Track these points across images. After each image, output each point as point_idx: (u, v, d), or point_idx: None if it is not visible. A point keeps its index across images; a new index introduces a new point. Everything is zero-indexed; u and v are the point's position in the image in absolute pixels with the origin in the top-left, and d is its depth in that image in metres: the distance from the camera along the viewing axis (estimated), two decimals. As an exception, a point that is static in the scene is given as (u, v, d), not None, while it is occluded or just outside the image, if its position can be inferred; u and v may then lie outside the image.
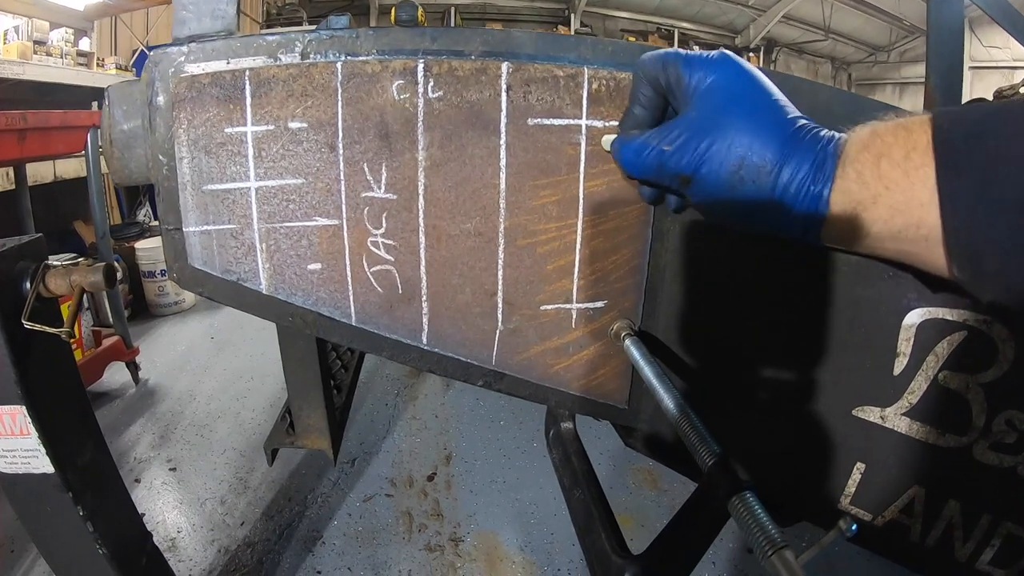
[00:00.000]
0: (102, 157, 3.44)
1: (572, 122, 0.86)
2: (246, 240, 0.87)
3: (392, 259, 0.88)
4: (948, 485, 0.83)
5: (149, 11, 7.48)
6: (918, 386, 0.82)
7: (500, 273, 0.90)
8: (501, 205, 0.88)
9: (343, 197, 0.85)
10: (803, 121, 0.67)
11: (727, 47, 9.18)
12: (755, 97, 0.69)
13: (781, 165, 0.64)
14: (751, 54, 13.80)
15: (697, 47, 9.80)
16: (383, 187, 0.85)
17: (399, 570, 2.09)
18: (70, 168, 4.05)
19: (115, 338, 3.29)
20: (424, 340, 0.93)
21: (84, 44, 6.24)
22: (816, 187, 0.62)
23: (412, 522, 2.31)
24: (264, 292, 0.89)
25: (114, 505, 1.38)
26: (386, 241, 0.88)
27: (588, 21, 13.11)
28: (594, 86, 0.86)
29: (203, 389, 3.44)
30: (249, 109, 0.83)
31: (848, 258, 0.85)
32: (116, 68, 6.30)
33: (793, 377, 0.92)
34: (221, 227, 0.87)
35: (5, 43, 4.85)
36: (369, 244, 0.88)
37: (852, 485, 0.90)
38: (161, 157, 0.86)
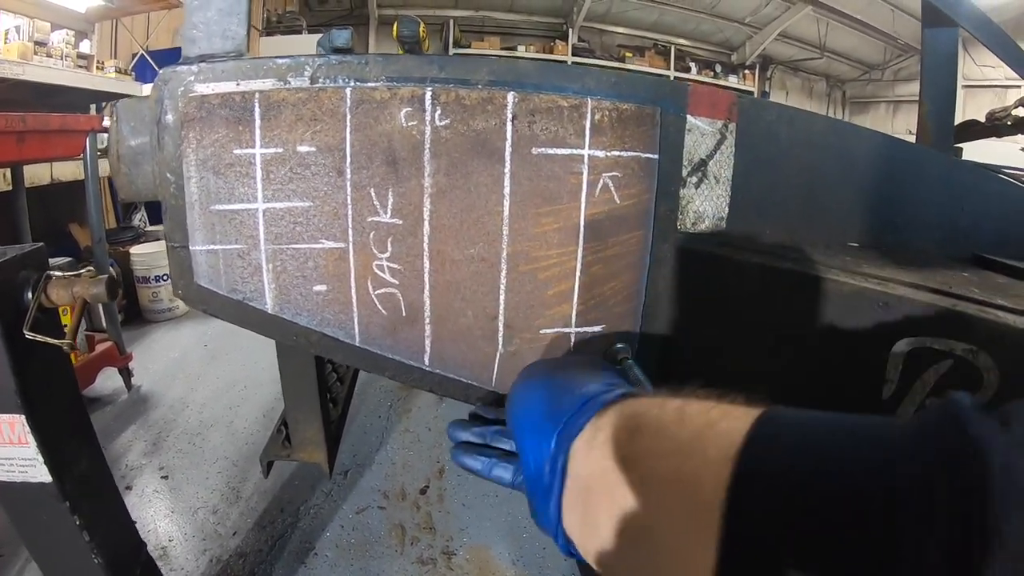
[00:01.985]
0: (101, 162, 3.46)
1: (575, 151, 0.88)
2: (253, 260, 0.88)
3: (397, 282, 0.90)
4: None
5: (150, 16, 7.49)
6: (905, 411, 0.84)
7: (502, 297, 0.92)
8: (504, 232, 0.89)
9: (349, 221, 0.87)
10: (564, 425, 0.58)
11: (723, 64, 9.26)
12: (544, 383, 0.65)
13: (540, 447, 0.58)
14: (747, 71, 13.88)
15: (693, 64, 9.88)
16: (389, 212, 0.87)
17: (391, 583, 2.09)
18: (67, 171, 4.04)
19: (108, 343, 3.27)
20: (426, 361, 0.94)
21: (84, 46, 6.24)
22: (550, 493, 0.56)
23: (405, 535, 2.31)
24: (269, 311, 0.90)
25: (110, 515, 1.39)
26: (391, 265, 0.89)
27: (586, 36, 13.17)
28: (597, 116, 0.88)
29: (196, 397, 3.42)
30: (258, 131, 0.84)
31: (840, 288, 0.87)
32: (116, 71, 6.30)
33: (787, 400, 0.93)
34: (228, 247, 0.88)
35: (6, 43, 4.85)
36: (374, 267, 0.89)
37: None
38: (169, 175, 0.88)
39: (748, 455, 0.40)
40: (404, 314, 0.92)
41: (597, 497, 0.50)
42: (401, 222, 0.87)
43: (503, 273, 0.91)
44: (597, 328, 0.97)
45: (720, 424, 0.43)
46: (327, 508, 2.45)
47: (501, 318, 0.93)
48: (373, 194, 0.86)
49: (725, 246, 1.00)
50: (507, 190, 0.88)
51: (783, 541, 0.36)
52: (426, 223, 0.88)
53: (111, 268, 3.87)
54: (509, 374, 0.96)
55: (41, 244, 1.16)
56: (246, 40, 0.88)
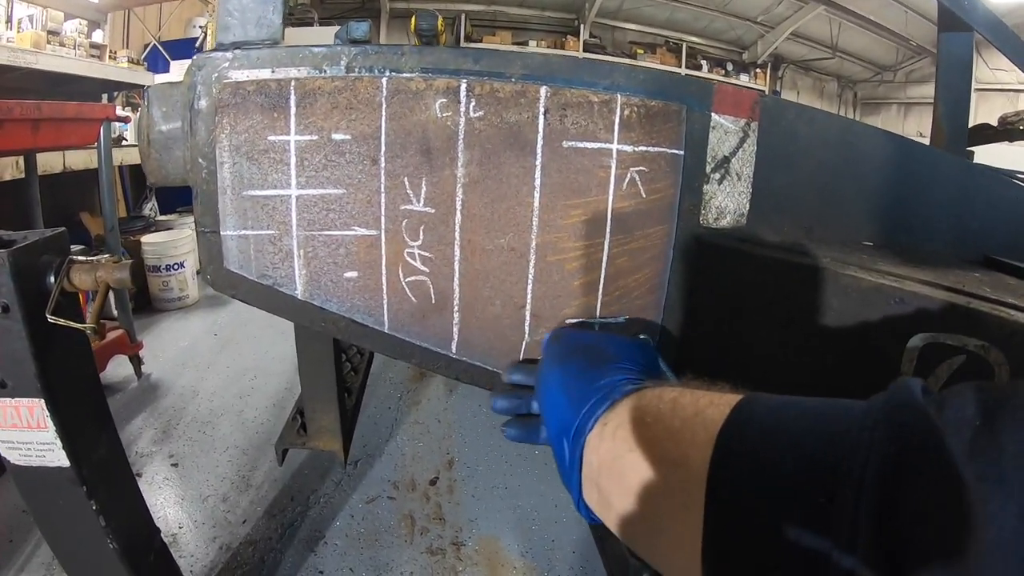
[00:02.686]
0: (114, 151, 3.48)
1: (604, 146, 0.89)
2: (284, 246, 0.89)
3: (427, 270, 0.91)
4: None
5: (162, 6, 7.50)
6: None
7: (530, 287, 0.93)
8: (534, 222, 0.90)
9: (383, 209, 0.88)
10: (602, 385, 0.65)
11: (734, 62, 9.23)
12: (566, 370, 0.72)
13: (562, 436, 0.65)
14: (758, 69, 13.85)
15: (704, 61, 9.85)
16: (422, 201, 0.88)
17: (401, 572, 2.09)
18: (79, 159, 4.04)
19: (120, 331, 3.28)
20: (453, 349, 0.95)
21: (97, 36, 6.26)
22: (572, 473, 0.63)
23: (414, 525, 2.32)
24: (299, 297, 0.91)
25: (126, 500, 1.40)
26: (422, 253, 0.90)
27: (597, 32, 13.16)
28: (626, 112, 0.89)
29: (206, 386, 3.44)
30: (293, 119, 0.85)
31: (857, 284, 0.87)
32: (128, 61, 6.32)
33: (804, 394, 0.94)
34: (259, 232, 0.89)
35: (19, 31, 4.86)
36: (405, 255, 0.90)
37: None
38: (201, 161, 0.88)
39: (726, 436, 0.46)
40: (433, 302, 0.93)
41: (608, 481, 0.56)
42: (433, 211, 0.88)
43: (531, 263, 0.92)
44: (620, 319, 0.98)
45: (707, 411, 0.49)
46: (337, 497, 2.47)
47: (528, 307, 0.94)
48: (406, 183, 0.87)
49: (746, 241, 1.01)
50: (538, 182, 0.89)
51: (752, 509, 0.42)
52: (458, 212, 0.88)
53: (123, 257, 3.88)
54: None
55: (63, 229, 1.17)
56: (281, 28, 0.89)
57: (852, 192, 1.10)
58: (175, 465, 2.70)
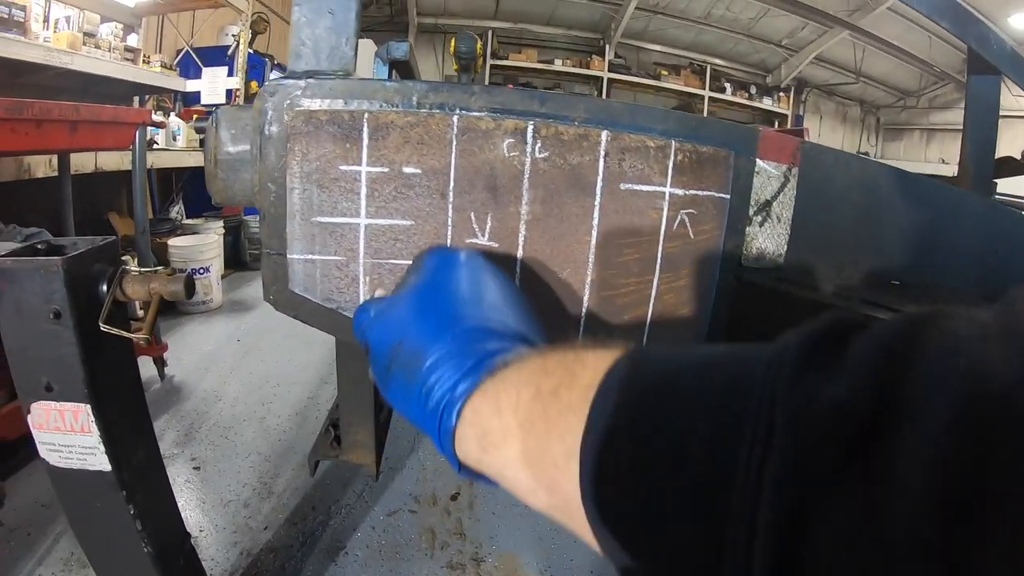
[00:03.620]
0: (149, 152, 3.52)
1: (658, 189, 0.93)
2: (350, 272, 0.92)
3: None
4: None
5: (195, 13, 7.60)
6: None
7: (582, 321, 0.96)
8: (590, 259, 0.93)
9: (449, 241, 0.91)
10: (485, 326, 0.60)
11: (757, 85, 9.22)
12: (448, 289, 0.65)
13: (433, 362, 0.56)
14: (781, 93, 13.87)
15: (728, 84, 9.87)
16: (487, 236, 0.91)
17: (420, 586, 2.11)
18: (111, 160, 4.10)
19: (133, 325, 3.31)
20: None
21: (132, 40, 6.35)
22: (448, 406, 0.54)
23: (435, 539, 2.33)
24: (362, 322, 0.95)
25: (161, 505, 1.43)
26: (484, 285, 0.94)
27: (622, 52, 13.24)
28: (679, 157, 0.92)
29: (228, 391, 3.48)
30: (365, 150, 0.88)
31: None
32: (161, 66, 6.40)
33: None
34: (326, 257, 0.92)
35: (56, 31, 4.95)
36: None
37: None
38: (270, 185, 0.92)
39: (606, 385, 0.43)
40: (491, 329, 0.96)
41: (493, 438, 0.50)
42: (497, 245, 0.92)
43: (585, 298, 0.95)
44: (665, 352, 1.01)
45: (588, 359, 0.47)
46: (358, 509, 2.49)
47: (579, 339, 0.97)
48: (473, 218, 0.90)
49: (783, 281, 1.04)
50: (596, 221, 0.92)
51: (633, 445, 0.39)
52: (520, 248, 0.92)
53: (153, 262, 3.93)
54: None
55: (114, 238, 1.20)
56: (354, 60, 0.92)
57: (882, 233, 1.13)
58: (197, 468, 2.73)
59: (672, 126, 0.93)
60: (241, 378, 3.67)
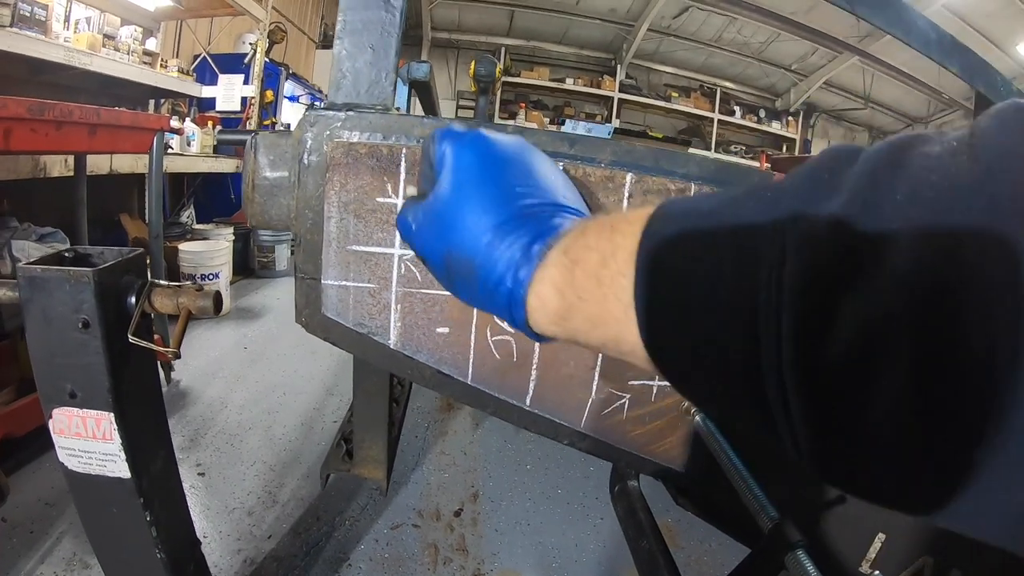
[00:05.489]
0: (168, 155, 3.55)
1: (678, 231, 0.97)
2: (383, 299, 0.96)
3: (513, 332, 0.98)
4: (953, 556, 0.93)
5: (213, 20, 7.69)
6: None
7: (598, 369, 1.00)
8: None
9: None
10: (533, 203, 0.60)
11: (767, 109, 9.27)
12: (490, 173, 0.63)
13: (491, 253, 0.57)
14: (790, 117, 13.94)
15: (738, 107, 9.91)
16: (515, 271, 0.95)
17: (422, 600, 2.14)
18: (126, 163, 4.14)
19: (155, 336, 3.32)
20: (527, 402, 1.02)
21: (150, 44, 6.42)
22: (517, 284, 0.55)
23: (438, 554, 2.35)
24: (391, 346, 0.98)
25: (175, 513, 1.45)
26: (511, 316, 0.97)
27: (633, 73, 13.34)
28: (698, 200, 0.97)
29: (235, 398, 3.50)
30: (402, 184, 0.92)
31: None
32: (178, 71, 6.48)
33: None
34: (360, 284, 0.96)
35: (76, 32, 5.01)
36: (495, 318, 0.97)
37: (872, 551, 0.99)
38: (307, 212, 0.95)
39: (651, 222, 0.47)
40: (515, 360, 0.99)
41: (560, 312, 0.52)
42: (524, 281, 0.96)
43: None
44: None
45: (623, 227, 0.49)
46: (363, 521, 2.50)
47: (598, 368, 1.01)
48: (504, 252, 0.94)
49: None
50: (618, 259, 0.96)
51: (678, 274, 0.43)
52: (546, 283, 0.96)
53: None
54: (596, 418, 1.04)
55: (141, 251, 1.23)
56: (393, 95, 0.96)
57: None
58: (202, 474, 2.75)
59: (693, 169, 0.97)
60: (247, 386, 3.70)
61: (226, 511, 2.51)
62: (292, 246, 0.94)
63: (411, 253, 0.94)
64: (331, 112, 0.94)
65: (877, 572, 0.76)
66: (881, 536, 1.00)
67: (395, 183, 0.92)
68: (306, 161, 0.95)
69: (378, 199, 0.93)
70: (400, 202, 0.92)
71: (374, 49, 0.95)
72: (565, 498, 2.79)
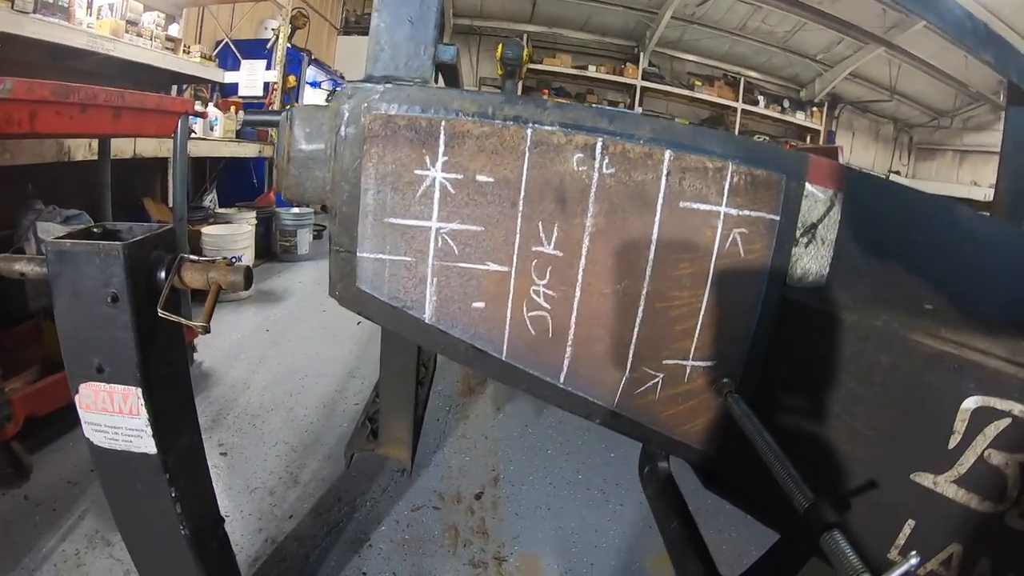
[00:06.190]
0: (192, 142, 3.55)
1: (713, 208, 0.96)
2: (419, 273, 0.96)
3: (549, 307, 0.98)
4: (982, 545, 0.92)
5: (235, 6, 7.70)
6: (967, 459, 0.91)
7: (636, 329, 1.00)
8: (647, 272, 0.97)
9: (516, 248, 0.95)
10: None
11: (791, 99, 9.16)
12: None
13: None
14: (815, 108, 13.79)
15: (761, 97, 9.81)
16: (552, 244, 0.95)
17: (442, 581, 2.14)
18: (149, 147, 4.16)
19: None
20: (561, 379, 1.02)
21: (173, 30, 6.44)
22: None
23: (458, 536, 2.36)
24: (426, 320, 0.98)
25: (200, 489, 1.46)
26: (547, 291, 0.97)
27: (656, 61, 13.23)
28: (735, 179, 0.96)
29: (257, 380, 3.52)
30: (441, 157, 0.92)
31: (921, 349, 0.93)
32: (200, 57, 6.49)
33: (866, 442, 1.01)
34: (396, 258, 0.96)
35: (99, 18, 5.03)
36: (531, 292, 0.97)
37: (902, 538, 0.99)
38: (344, 184, 0.96)
39: None
40: (550, 336, 0.99)
41: None
42: (561, 254, 0.95)
43: (641, 308, 0.99)
44: (710, 362, 1.04)
45: None
46: (384, 502, 2.51)
47: (632, 347, 1.01)
48: (540, 227, 0.94)
49: (824, 301, 1.07)
50: (655, 236, 0.96)
51: None
52: (583, 258, 0.95)
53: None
54: (629, 397, 1.04)
55: (171, 226, 1.23)
56: (432, 68, 0.96)
57: (918, 257, 1.16)
58: (224, 454, 2.77)
59: (730, 149, 0.96)
60: (269, 368, 3.71)
61: (248, 491, 2.53)
62: (327, 219, 0.94)
63: (449, 226, 0.94)
64: (369, 84, 0.94)
65: (914, 552, 0.75)
66: (911, 522, 0.99)
67: (433, 156, 0.92)
68: (343, 133, 0.94)
69: (416, 171, 0.93)
70: (439, 175, 0.93)
71: (412, 22, 0.95)
72: (585, 483, 2.79)
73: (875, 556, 1.04)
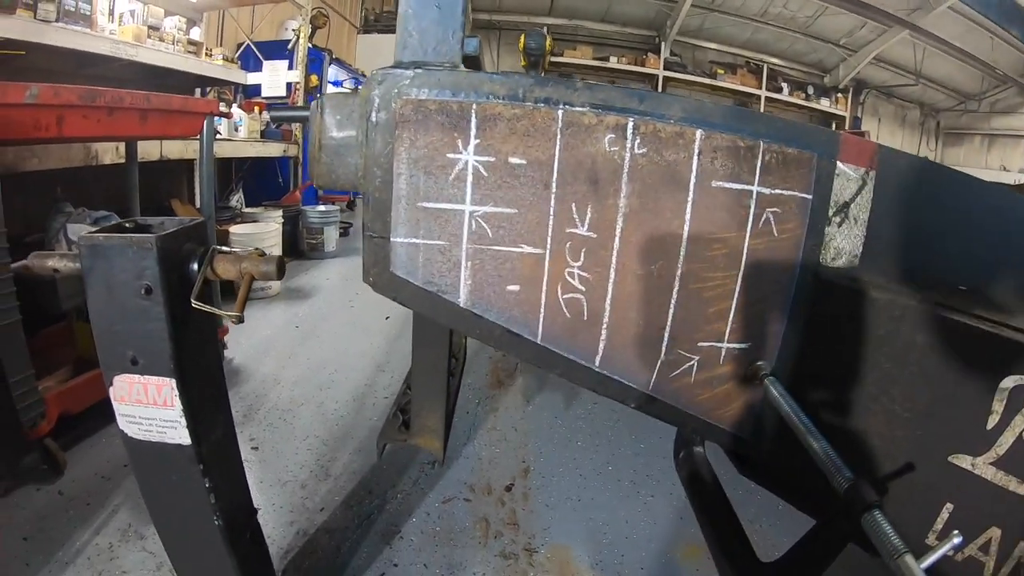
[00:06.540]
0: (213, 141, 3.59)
1: (745, 187, 0.96)
2: (453, 256, 0.97)
3: (584, 289, 0.98)
4: (1021, 528, 0.90)
5: (255, 8, 7.77)
6: (1006, 440, 0.89)
7: (671, 311, 0.99)
8: (681, 253, 0.97)
9: (550, 230, 0.95)
10: None
11: (815, 85, 9.04)
12: None
13: None
14: (839, 94, 13.62)
15: (785, 84, 9.68)
16: (586, 226, 0.95)
17: (474, 573, 2.14)
18: (176, 149, 4.21)
19: (207, 314, 3.38)
20: (597, 363, 1.02)
21: (194, 33, 6.50)
22: None
23: (488, 528, 2.37)
24: (461, 305, 0.99)
25: (233, 480, 1.48)
26: (581, 273, 0.97)
27: (678, 50, 13.13)
28: (767, 157, 0.95)
29: (287, 375, 3.55)
30: (473, 140, 0.92)
31: (957, 328, 0.92)
32: (223, 59, 6.55)
33: (902, 424, 0.99)
34: (430, 242, 0.96)
35: (121, 25, 5.10)
36: (566, 274, 0.97)
37: (940, 522, 0.97)
38: (376, 170, 0.96)
39: None
40: (585, 318, 0.99)
41: None
42: (595, 235, 0.95)
43: (675, 289, 0.98)
44: (745, 344, 1.04)
45: None
46: (414, 495, 2.51)
47: (668, 329, 1.01)
48: (573, 208, 0.94)
49: (858, 280, 1.06)
50: (688, 216, 0.95)
51: None
52: (617, 239, 0.95)
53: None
54: (664, 380, 1.03)
55: (203, 219, 1.24)
56: (460, 53, 0.96)
57: (951, 238, 1.15)
58: (255, 448, 2.79)
59: (761, 127, 0.95)
60: (299, 363, 3.74)
61: (279, 484, 2.55)
62: (360, 208, 0.94)
63: (483, 209, 0.94)
64: (398, 70, 0.95)
65: (956, 531, 0.74)
66: (949, 506, 0.98)
67: (465, 139, 0.92)
68: (374, 119, 0.95)
69: (448, 155, 0.93)
70: (471, 158, 0.93)
71: (440, 7, 0.95)
72: (615, 475, 2.78)
73: (913, 541, 1.03)
